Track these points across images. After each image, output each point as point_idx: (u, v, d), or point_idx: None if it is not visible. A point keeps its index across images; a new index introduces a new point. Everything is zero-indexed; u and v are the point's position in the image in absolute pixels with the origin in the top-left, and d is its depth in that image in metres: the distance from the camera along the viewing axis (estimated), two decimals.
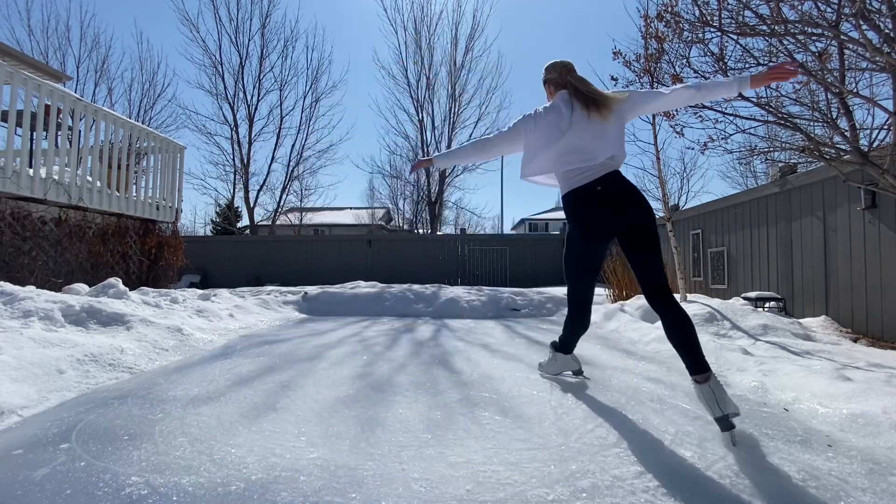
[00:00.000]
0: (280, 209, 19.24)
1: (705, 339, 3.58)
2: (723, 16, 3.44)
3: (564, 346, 2.60)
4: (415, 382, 2.57)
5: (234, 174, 18.47)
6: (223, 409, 2.05)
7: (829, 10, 2.99)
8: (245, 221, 19.94)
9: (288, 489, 1.33)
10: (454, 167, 19.12)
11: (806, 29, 3.11)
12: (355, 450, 1.62)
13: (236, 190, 18.80)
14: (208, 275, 12.48)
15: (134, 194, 6.52)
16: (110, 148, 6.06)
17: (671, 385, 2.52)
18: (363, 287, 7.59)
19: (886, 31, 2.82)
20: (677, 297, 5.72)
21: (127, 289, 4.43)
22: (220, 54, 17.91)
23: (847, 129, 3.30)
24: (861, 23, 2.78)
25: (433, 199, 19.14)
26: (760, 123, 3.78)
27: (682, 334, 1.84)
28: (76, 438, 1.70)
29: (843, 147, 3.38)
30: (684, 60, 4.21)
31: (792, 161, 6.61)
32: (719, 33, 3.56)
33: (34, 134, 5.04)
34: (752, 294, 5.38)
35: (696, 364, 1.78)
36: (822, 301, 4.79)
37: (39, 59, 14.15)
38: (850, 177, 3.72)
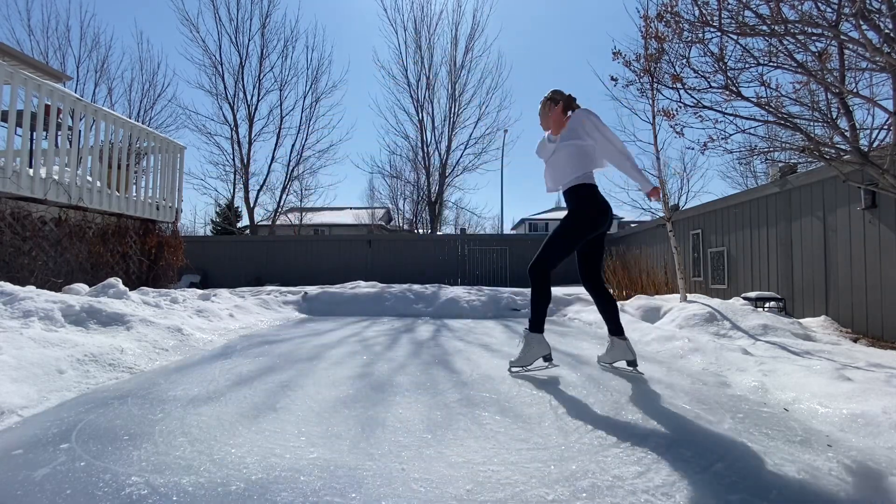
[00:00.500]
0: (280, 209, 19.25)
1: (705, 339, 3.58)
2: (723, 16, 3.44)
3: (538, 325, 2.75)
4: (415, 382, 2.57)
5: (234, 174, 18.50)
6: (223, 409, 2.05)
7: (829, 10, 2.99)
8: (245, 221, 19.96)
9: (288, 489, 1.33)
10: (454, 167, 19.14)
11: (806, 29, 3.10)
12: (355, 450, 1.62)
13: (236, 190, 18.83)
14: (208, 275, 12.48)
15: (134, 194, 6.52)
16: (110, 148, 6.06)
17: (671, 385, 2.52)
18: (363, 287, 7.59)
19: (886, 31, 2.82)
20: (677, 297, 5.72)
21: (127, 289, 4.43)
22: (220, 54, 17.95)
23: (847, 129, 3.30)
24: (861, 23, 2.78)
25: (433, 199, 19.14)
26: (760, 123, 3.78)
27: (612, 310, 2.82)
28: (76, 438, 1.70)
29: (843, 147, 3.38)
30: (684, 60, 4.21)
31: (792, 161, 6.61)
32: (719, 33, 3.56)
33: (34, 134, 5.04)
34: (752, 294, 5.38)
35: (618, 329, 2.82)
36: (822, 301, 4.79)
37: (39, 59, 14.15)
38: (850, 177, 3.72)
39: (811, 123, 3.57)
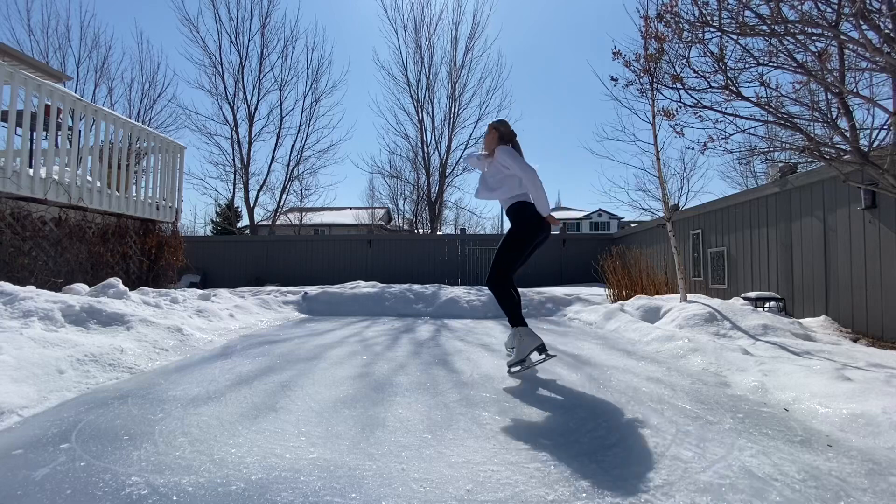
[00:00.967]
0: (280, 209, 19.25)
1: (705, 339, 3.57)
2: (723, 16, 3.44)
3: (518, 319, 2.90)
4: (415, 382, 2.57)
5: (234, 174, 18.48)
6: (223, 409, 2.05)
7: (829, 10, 2.98)
8: (245, 221, 19.96)
9: (288, 489, 1.33)
10: (454, 167, 19.14)
11: (806, 29, 3.10)
12: (355, 450, 1.62)
13: (236, 190, 18.81)
14: (208, 275, 12.48)
15: (134, 194, 6.52)
16: (110, 148, 6.06)
17: (671, 385, 2.52)
18: (363, 287, 7.59)
19: (886, 31, 2.82)
20: (677, 297, 5.71)
21: (127, 289, 4.43)
22: (220, 54, 17.93)
23: (847, 129, 3.30)
24: (861, 23, 2.78)
25: (433, 199, 19.14)
26: (760, 123, 3.77)
27: (517, 301, 3.01)
28: (76, 438, 1.70)
29: (843, 147, 3.38)
30: (684, 60, 4.21)
31: (792, 161, 6.61)
32: (719, 33, 3.55)
33: (34, 134, 5.04)
34: (752, 294, 5.38)
35: (521, 321, 2.90)
36: (822, 301, 4.79)
37: (39, 59, 14.15)
38: (850, 177, 3.71)
39: (811, 123, 3.57)
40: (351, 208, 32.21)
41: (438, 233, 19.19)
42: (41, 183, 4.97)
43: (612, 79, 5.19)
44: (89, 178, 5.68)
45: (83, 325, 3.31)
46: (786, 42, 3.32)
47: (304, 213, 22.98)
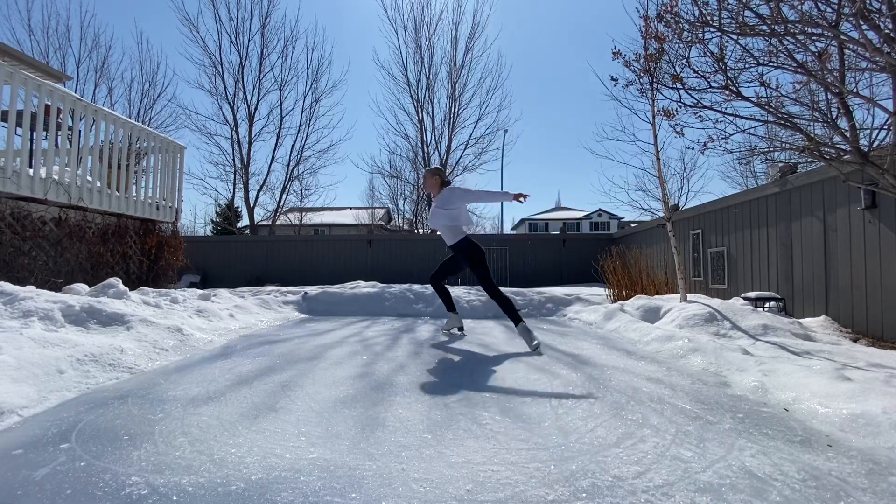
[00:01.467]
0: (280, 209, 19.26)
1: (705, 339, 3.58)
2: (723, 16, 3.44)
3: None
4: (415, 382, 2.57)
5: (234, 174, 18.50)
6: (223, 409, 2.05)
7: (829, 10, 2.98)
8: (245, 221, 19.96)
9: (288, 489, 1.33)
10: (454, 167, 19.13)
11: (806, 29, 3.10)
12: (355, 450, 1.62)
13: (236, 190, 18.83)
14: (208, 275, 12.48)
15: (134, 194, 6.52)
16: (110, 148, 6.06)
17: (671, 385, 2.52)
18: (363, 287, 7.59)
19: (886, 31, 2.82)
20: (677, 297, 5.71)
21: (127, 289, 4.43)
22: (220, 54, 17.95)
23: (847, 129, 3.29)
24: (861, 23, 2.78)
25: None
26: (760, 123, 3.77)
27: (448, 293, 4.48)
28: (76, 438, 1.70)
29: (843, 147, 3.38)
30: (684, 60, 4.21)
31: (792, 161, 6.61)
32: (719, 33, 3.55)
33: (34, 134, 5.04)
34: (752, 294, 5.38)
35: (451, 307, 4.52)
36: (822, 301, 4.79)
37: (39, 59, 14.15)
38: (850, 177, 3.71)
39: (811, 123, 3.57)
40: (351, 208, 32.23)
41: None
42: (41, 183, 4.97)
43: (612, 79, 5.19)
44: (89, 178, 5.68)
45: (83, 325, 3.31)
46: (786, 42, 3.32)
47: (304, 213, 22.98)
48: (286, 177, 18.81)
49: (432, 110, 19.06)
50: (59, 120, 5.42)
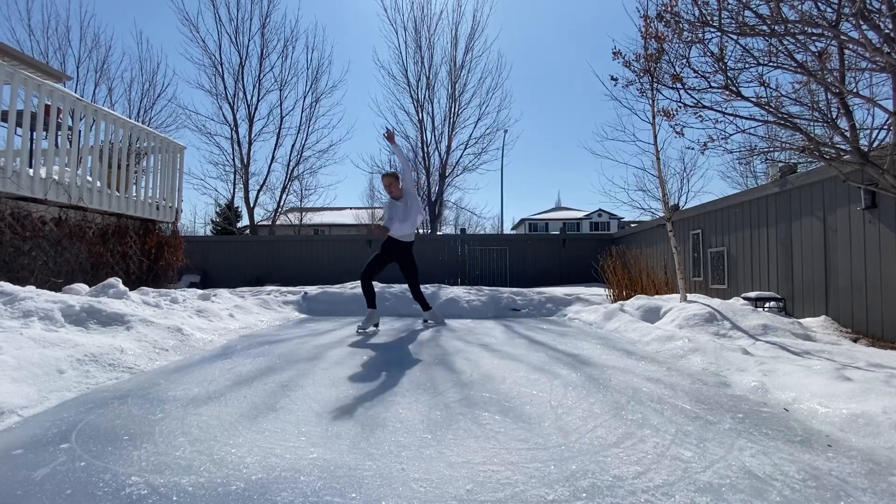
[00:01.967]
0: (280, 209, 19.25)
1: (705, 339, 3.58)
2: (723, 16, 3.44)
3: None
4: (415, 382, 2.57)
5: (234, 174, 18.49)
6: (223, 409, 2.05)
7: (829, 10, 2.98)
8: (245, 221, 19.96)
9: (288, 489, 1.33)
10: (454, 167, 19.14)
11: (806, 29, 3.10)
12: (355, 450, 1.62)
13: (236, 190, 18.82)
14: (208, 275, 12.48)
15: (134, 194, 6.52)
16: (110, 148, 6.06)
17: (671, 385, 2.52)
18: None
19: (886, 31, 2.82)
20: (677, 297, 5.71)
21: (127, 289, 4.43)
22: (220, 54, 17.94)
23: (847, 129, 3.29)
24: (861, 23, 2.77)
25: (433, 199, 19.14)
26: (760, 123, 3.77)
27: (372, 290, 5.03)
28: (76, 438, 1.70)
29: (843, 147, 3.38)
30: (684, 60, 4.21)
31: (792, 161, 6.61)
32: (719, 33, 3.55)
33: (34, 134, 5.04)
34: (752, 294, 5.38)
35: (372, 303, 5.02)
36: (822, 301, 4.79)
37: (39, 59, 14.15)
38: (850, 177, 3.71)
39: (811, 123, 3.57)
40: (351, 208, 32.24)
41: (438, 233, 19.20)
42: (41, 183, 4.97)
43: (612, 79, 5.19)
44: (89, 178, 5.68)
45: (83, 325, 3.31)
46: (786, 42, 3.32)
47: (303, 213, 22.99)
48: (286, 177, 18.82)
49: (432, 110, 19.07)
50: (59, 120, 5.42)
